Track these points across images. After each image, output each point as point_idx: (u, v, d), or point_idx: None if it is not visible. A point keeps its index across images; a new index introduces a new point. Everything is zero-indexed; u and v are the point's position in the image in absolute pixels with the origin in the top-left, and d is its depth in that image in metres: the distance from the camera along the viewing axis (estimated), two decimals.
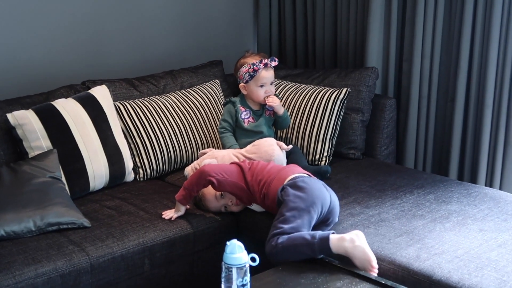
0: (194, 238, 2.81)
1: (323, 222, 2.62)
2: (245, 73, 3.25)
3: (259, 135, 3.26)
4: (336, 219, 2.69)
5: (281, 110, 3.30)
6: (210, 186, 2.80)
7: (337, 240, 2.34)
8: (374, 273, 2.29)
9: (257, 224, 2.88)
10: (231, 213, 2.94)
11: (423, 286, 2.30)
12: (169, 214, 2.83)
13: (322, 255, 2.36)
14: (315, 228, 2.56)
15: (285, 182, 2.67)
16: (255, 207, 2.90)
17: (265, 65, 3.22)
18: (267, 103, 3.26)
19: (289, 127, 3.43)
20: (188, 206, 2.87)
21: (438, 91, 3.62)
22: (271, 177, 2.73)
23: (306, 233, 2.41)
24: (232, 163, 2.92)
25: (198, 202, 2.95)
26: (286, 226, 2.45)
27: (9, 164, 2.85)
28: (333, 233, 2.38)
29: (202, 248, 2.85)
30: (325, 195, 2.62)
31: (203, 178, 2.75)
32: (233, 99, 3.34)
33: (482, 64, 3.36)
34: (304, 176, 2.71)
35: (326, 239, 2.34)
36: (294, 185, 2.62)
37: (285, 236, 2.41)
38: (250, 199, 2.83)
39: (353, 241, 2.32)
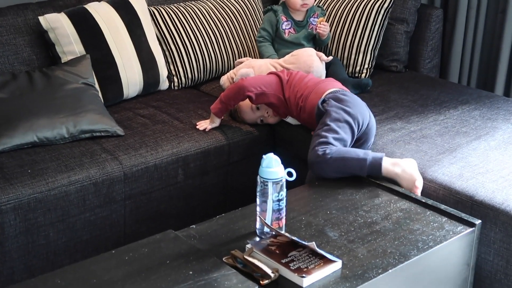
0: (228, 150, 2.77)
1: (358, 140, 2.52)
2: None
3: (299, 46, 3.15)
4: (372, 140, 2.58)
5: (326, 35, 3.18)
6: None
7: (391, 164, 2.27)
8: (416, 192, 2.22)
9: (294, 137, 2.81)
10: (267, 125, 2.88)
11: (465, 206, 2.23)
12: (203, 124, 2.78)
13: (368, 175, 2.28)
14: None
15: (324, 96, 2.57)
16: (290, 119, 2.83)
17: None
18: (317, 30, 3.15)
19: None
20: (222, 118, 2.81)
21: (488, 1, 3.47)
22: (309, 90, 2.64)
23: (359, 150, 2.34)
24: (270, 73, 2.83)
25: (233, 113, 2.89)
26: (331, 136, 2.35)
27: (42, 69, 2.80)
28: (384, 155, 2.30)
29: (237, 160, 2.81)
30: (366, 112, 2.53)
31: (241, 93, 2.68)
32: (275, 7, 3.22)
33: None
34: (345, 91, 2.61)
35: (379, 159, 2.26)
36: (336, 97, 2.53)
37: (334, 148, 2.31)
38: (286, 111, 2.76)
39: (404, 167, 2.26)
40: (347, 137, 2.40)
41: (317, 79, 2.77)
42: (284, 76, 2.75)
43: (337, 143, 2.35)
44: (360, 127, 2.47)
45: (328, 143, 2.33)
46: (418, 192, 2.24)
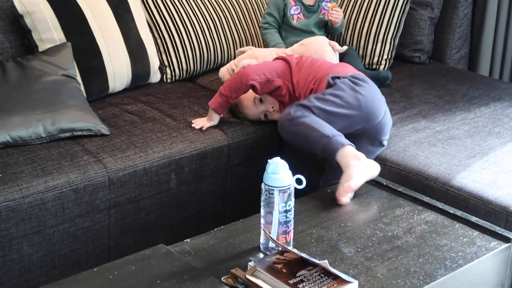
0: (228, 151, 2.75)
1: (369, 137, 2.52)
2: None
3: (309, 34, 3.16)
4: (386, 141, 2.57)
5: (339, 23, 3.19)
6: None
7: (350, 153, 2.24)
8: (342, 196, 2.15)
9: None
10: (272, 124, 2.85)
11: (498, 218, 2.21)
12: (200, 122, 2.75)
13: (323, 156, 2.31)
14: (361, 146, 2.45)
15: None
16: None
17: None
18: (329, 18, 3.16)
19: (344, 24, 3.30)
20: (222, 115, 2.78)
21: None
22: (323, 72, 2.63)
23: (331, 127, 2.35)
24: (277, 58, 2.81)
25: (234, 108, 2.86)
26: (318, 104, 2.40)
27: (16, 58, 2.79)
28: (354, 147, 2.29)
29: (238, 163, 2.80)
30: (381, 107, 2.52)
31: (244, 83, 2.65)
32: None
33: None
34: (367, 78, 2.61)
35: (339, 144, 2.26)
36: (355, 78, 2.53)
37: (310, 115, 2.36)
38: (292, 99, 2.73)
39: (361, 166, 2.21)
40: (337, 121, 2.40)
41: (332, 63, 2.76)
42: (292, 59, 2.74)
43: (320, 114, 2.38)
44: (367, 120, 2.46)
45: (308, 108, 2.38)
46: (342, 199, 2.15)
